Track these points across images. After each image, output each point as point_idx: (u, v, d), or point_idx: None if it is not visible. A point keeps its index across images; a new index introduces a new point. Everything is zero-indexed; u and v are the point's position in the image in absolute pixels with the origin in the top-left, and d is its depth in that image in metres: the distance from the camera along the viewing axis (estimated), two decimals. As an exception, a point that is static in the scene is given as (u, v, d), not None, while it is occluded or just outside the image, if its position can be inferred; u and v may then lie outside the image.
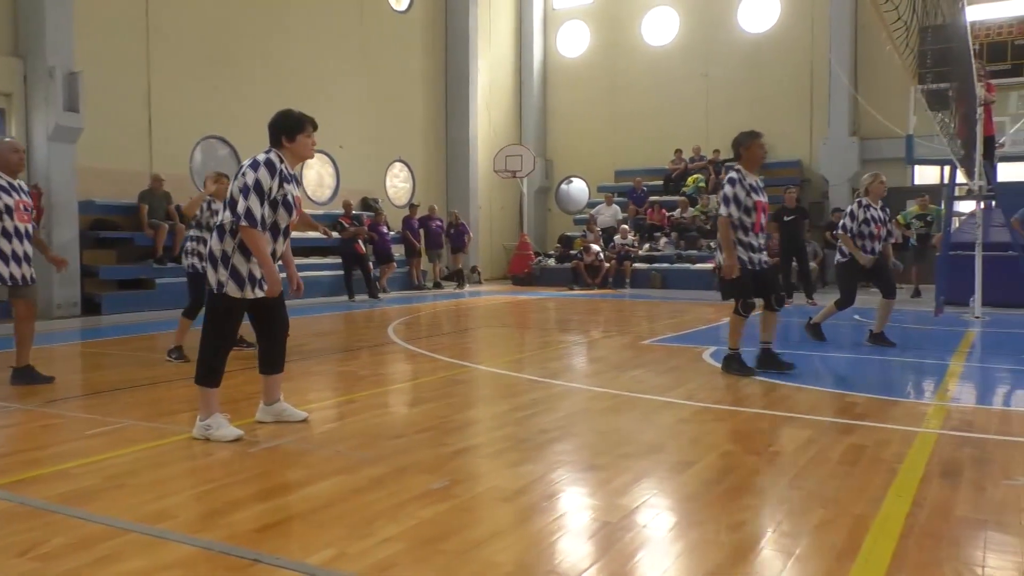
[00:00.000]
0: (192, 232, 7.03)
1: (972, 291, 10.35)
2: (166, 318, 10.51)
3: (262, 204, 4.04)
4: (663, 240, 18.10)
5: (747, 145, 6.16)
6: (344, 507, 3.15)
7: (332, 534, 2.86)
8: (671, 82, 20.00)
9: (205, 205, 6.97)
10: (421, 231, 16.98)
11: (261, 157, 4.14)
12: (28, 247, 5.72)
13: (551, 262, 19.00)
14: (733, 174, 6.10)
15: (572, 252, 18.27)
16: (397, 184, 18.84)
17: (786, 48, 18.66)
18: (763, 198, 6.11)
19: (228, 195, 4.17)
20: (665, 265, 17.10)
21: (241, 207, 4.02)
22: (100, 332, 9.71)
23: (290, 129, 4.22)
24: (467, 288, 17.30)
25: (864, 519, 2.97)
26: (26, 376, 5.76)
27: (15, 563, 2.61)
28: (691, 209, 18.13)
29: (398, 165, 18.69)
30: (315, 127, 4.32)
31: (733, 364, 6.14)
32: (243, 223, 4.01)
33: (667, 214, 18.59)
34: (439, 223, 17.79)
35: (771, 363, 6.20)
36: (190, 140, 13.66)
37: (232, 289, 4.12)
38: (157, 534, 2.84)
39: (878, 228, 7.54)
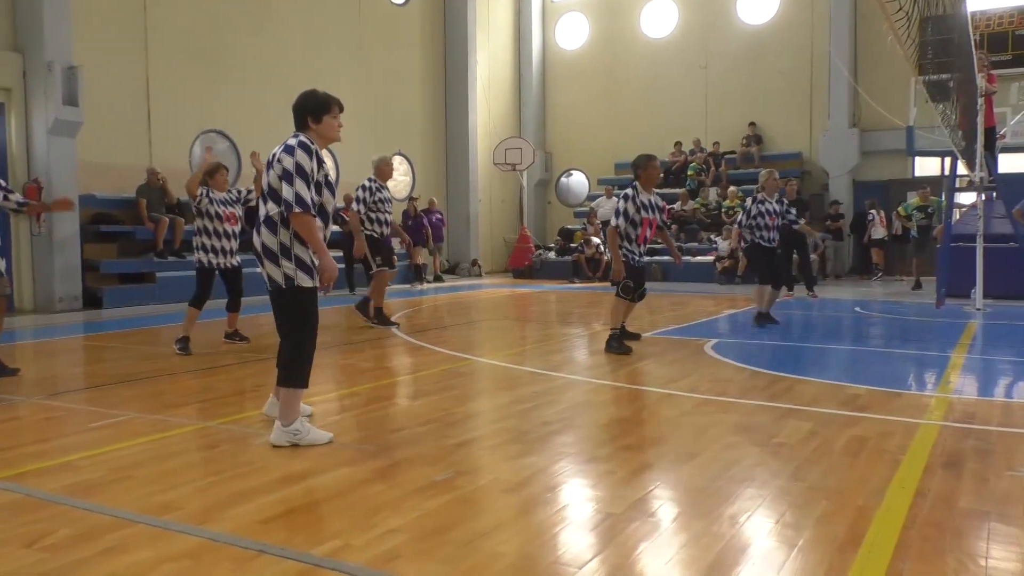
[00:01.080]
0: (197, 224, 7.08)
1: (973, 283, 10.36)
2: (167, 311, 10.53)
3: (309, 187, 3.82)
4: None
5: (644, 167, 6.97)
6: (348, 499, 3.16)
7: (336, 525, 2.87)
8: (670, 75, 19.95)
9: (203, 192, 7.05)
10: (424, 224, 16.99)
11: (292, 141, 3.91)
12: None
13: (551, 255, 18.99)
14: (629, 191, 6.96)
15: (572, 245, 18.25)
16: (397, 177, 18.78)
17: (786, 40, 18.60)
18: (653, 216, 7.02)
19: (265, 186, 3.93)
20: (666, 258, 17.06)
21: (289, 193, 3.78)
22: (102, 326, 9.72)
23: (316, 110, 3.98)
24: (425, 286, 16.10)
25: (867, 510, 2.97)
26: None
27: (22, 554, 2.62)
28: (691, 202, 18.12)
29: (398, 159, 18.66)
30: (341, 108, 4.09)
31: (613, 343, 6.92)
32: (296, 209, 3.77)
33: (667, 207, 18.54)
34: (439, 216, 17.79)
35: (624, 335, 7.30)
36: (189, 134, 13.64)
37: (303, 279, 3.88)
38: (163, 525, 2.85)
39: (772, 219, 8.64)
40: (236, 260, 7.33)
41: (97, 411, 4.75)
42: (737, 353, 6.89)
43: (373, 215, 8.61)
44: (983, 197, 10.87)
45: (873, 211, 16.37)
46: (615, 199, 18.84)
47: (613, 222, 6.91)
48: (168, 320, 9.68)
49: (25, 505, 3.12)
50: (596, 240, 17.44)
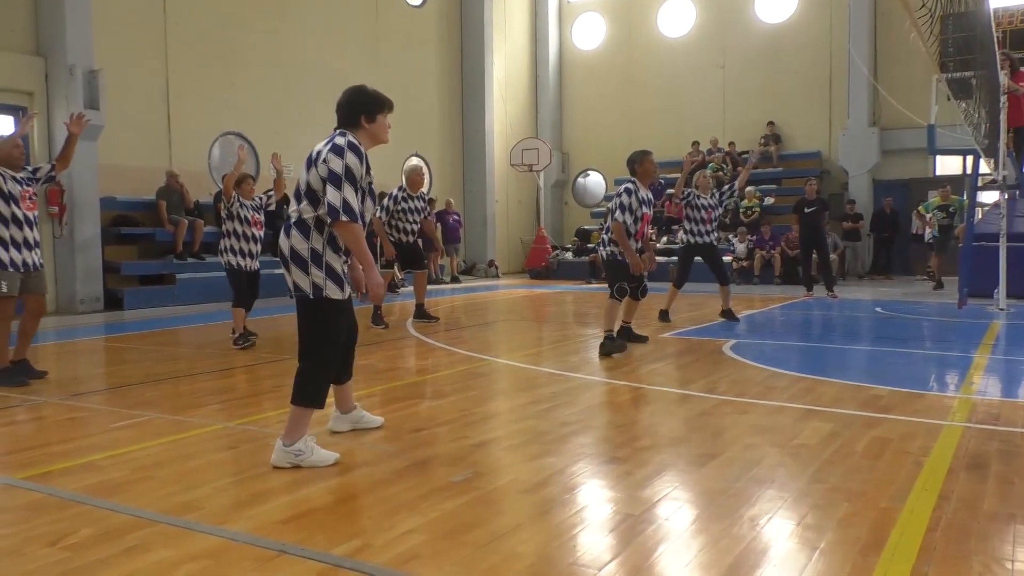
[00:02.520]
0: (226, 227, 7.28)
1: (996, 283, 10.22)
2: (187, 313, 10.62)
3: (357, 193, 3.53)
4: (681, 233, 17.98)
5: (641, 162, 6.94)
6: (367, 499, 3.17)
7: (356, 526, 2.88)
8: (688, 74, 19.86)
9: (235, 196, 7.32)
10: (439, 225, 17.03)
11: (342, 141, 3.57)
12: (37, 234, 5.83)
13: (568, 255, 18.96)
14: (629, 185, 6.86)
15: (589, 245, 18.21)
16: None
17: (804, 38, 18.47)
18: (650, 212, 7.01)
19: (303, 184, 3.61)
20: (673, 258, 17.00)
21: (336, 199, 3.47)
22: (123, 327, 9.82)
23: (372, 108, 3.69)
24: (442, 287, 15.95)
25: (890, 513, 2.94)
26: (23, 371, 5.80)
27: (46, 553, 2.65)
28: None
29: (414, 159, 18.72)
30: (392, 108, 3.80)
31: (608, 344, 6.84)
32: (343, 218, 3.47)
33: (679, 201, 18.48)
34: (456, 217, 17.82)
35: (628, 337, 7.42)
36: (208, 136, 13.75)
37: (333, 291, 3.61)
38: (184, 525, 2.87)
39: (708, 213, 9.12)
40: (257, 264, 7.55)
41: (119, 411, 4.80)
42: (756, 354, 6.84)
43: (395, 222, 8.76)
44: (1006, 196, 10.72)
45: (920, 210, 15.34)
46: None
47: (619, 217, 6.78)
48: (188, 322, 9.77)
49: (48, 504, 3.16)
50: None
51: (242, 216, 7.30)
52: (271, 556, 2.60)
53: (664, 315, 9.44)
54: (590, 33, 21.72)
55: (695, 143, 19.38)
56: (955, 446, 3.84)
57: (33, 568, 2.53)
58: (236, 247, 7.31)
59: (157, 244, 12.40)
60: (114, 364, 7.22)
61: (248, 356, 7.00)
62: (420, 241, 9.42)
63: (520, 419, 4.58)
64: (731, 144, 18.60)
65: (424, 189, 10.42)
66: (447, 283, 16.88)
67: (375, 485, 3.34)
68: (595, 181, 21.99)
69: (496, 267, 19.40)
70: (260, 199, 7.64)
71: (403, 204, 8.74)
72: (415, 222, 8.89)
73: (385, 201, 8.82)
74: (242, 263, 7.34)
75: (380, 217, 8.70)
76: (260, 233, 7.49)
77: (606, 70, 21.25)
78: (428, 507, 3.04)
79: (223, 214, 7.40)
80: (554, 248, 19.63)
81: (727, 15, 19.48)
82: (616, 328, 7.08)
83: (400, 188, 8.86)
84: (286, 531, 2.80)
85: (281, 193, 7.78)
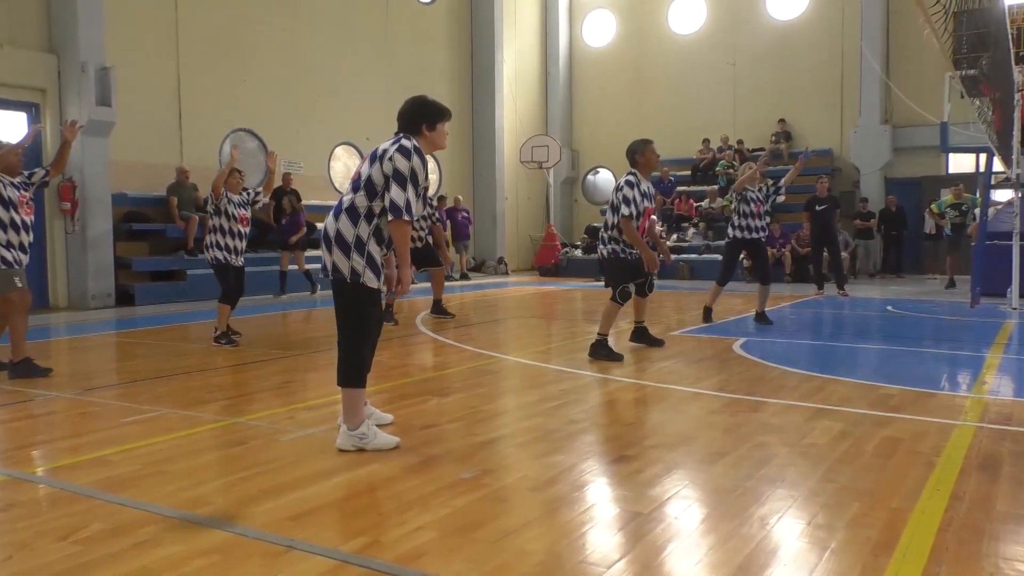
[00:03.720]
0: (212, 223, 7.25)
1: (1009, 282, 10.14)
2: (198, 308, 10.65)
3: (416, 196, 3.74)
4: (691, 230, 17.96)
5: (642, 152, 6.50)
6: (376, 495, 3.18)
7: (365, 522, 2.88)
8: (698, 71, 19.78)
9: (224, 192, 7.28)
10: (448, 222, 17.03)
11: (409, 144, 3.76)
12: (31, 238, 5.93)
13: (578, 253, 18.94)
14: (631, 177, 6.44)
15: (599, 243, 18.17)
16: (424, 175, 18.88)
17: (816, 35, 18.36)
18: (651, 205, 6.62)
19: (363, 176, 3.77)
20: (693, 256, 16.97)
21: (400, 198, 3.66)
22: (134, 322, 9.87)
23: (435, 117, 3.91)
24: (451, 284, 15.33)
25: (901, 513, 2.92)
26: (28, 369, 5.84)
27: (57, 547, 2.67)
28: (720, 199, 17.96)
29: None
30: (450, 117, 4.05)
31: (602, 350, 6.46)
32: (405, 216, 3.66)
33: (695, 204, 18.45)
34: (465, 214, 17.81)
35: (643, 339, 7.14)
36: (219, 133, 13.77)
37: (370, 279, 3.76)
38: (194, 520, 2.88)
39: (758, 207, 8.49)
40: (242, 260, 7.51)
41: (130, 407, 4.82)
42: (766, 352, 6.81)
43: None
44: (1020, 194, 10.63)
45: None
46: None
47: (625, 211, 6.31)
48: (198, 317, 9.80)
49: (59, 499, 3.18)
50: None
51: (229, 212, 7.24)
52: (280, 552, 2.60)
53: (708, 313, 8.90)
54: (600, 30, 21.66)
55: (705, 140, 19.32)
56: (967, 446, 3.82)
57: (44, 562, 2.55)
58: (222, 243, 7.26)
59: (168, 240, 12.44)
60: (125, 360, 7.25)
61: (257, 352, 7.02)
62: (430, 239, 9.45)
63: (529, 416, 4.58)
64: (739, 141, 18.53)
65: (431, 193, 10.45)
66: (456, 280, 16.88)
67: (384, 482, 3.34)
68: (605, 178, 21.89)
69: (505, 264, 19.39)
70: (247, 194, 7.58)
71: None
72: (423, 228, 8.99)
73: None
74: (228, 258, 7.29)
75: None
76: (246, 230, 7.45)
77: (616, 67, 21.19)
78: (437, 504, 3.04)
79: (210, 210, 7.37)
80: (563, 245, 19.61)
81: (738, 12, 19.38)
82: (609, 332, 6.64)
83: None
84: (295, 527, 2.81)
85: (270, 191, 7.84)
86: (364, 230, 3.74)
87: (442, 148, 4.05)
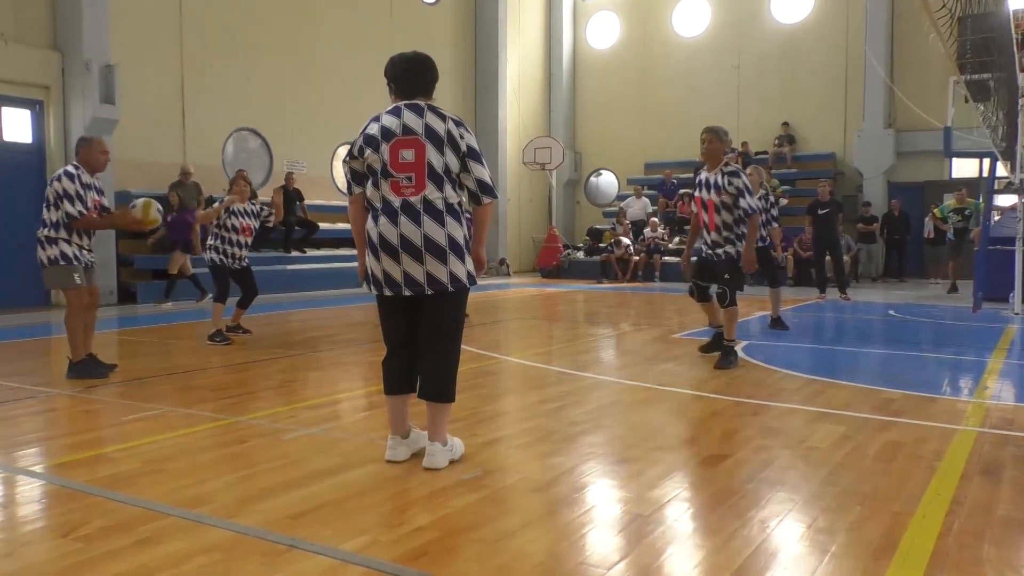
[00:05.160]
0: (213, 228, 7.40)
1: (1012, 287, 10.13)
2: (199, 307, 10.67)
3: None
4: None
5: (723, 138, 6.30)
6: (377, 495, 3.18)
7: (365, 521, 2.88)
8: (702, 74, 19.78)
9: (222, 213, 7.46)
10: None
11: (454, 116, 3.47)
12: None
13: (580, 255, 18.94)
14: (734, 167, 6.18)
15: (601, 245, 18.18)
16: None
17: (820, 39, 18.36)
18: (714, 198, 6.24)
19: (439, 166, 3.35)
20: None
21: (486, 175, 3.38)
22: (136, 320, 9.88)
23: (436, 78, 3.59)
24: None
25: (902, 517, 2.92)
26: (84, 369, 5.82)
27: (58, 544, 2.67)
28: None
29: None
30: None
31: (734, 357, 6.18)
32: (496, 194, 3.43)
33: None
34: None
35: (720, 344, 6.34)
36: (223, 132, 13.82)
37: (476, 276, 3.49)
38: (195, 518, 2.89)
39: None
40: (246, 261, 7.62)
41: (131, 404, 4.83)
42: (768, 355, 6.81)
43: None
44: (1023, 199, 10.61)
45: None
46: (644, 199, 18.93)
47: (755, 205, 6.04)
48: (201, 316, 9.81)
49: (60, 496, 3.18)
50: (626, 240, 17.36)
51: (229, 225, 7.39)
52: (281, 550, 2.61)
53: (778, 322, 8.44)
54: (604, 32, 21.68)
55: (709, 143, 19.29)
56: (968, 451, 3.81)
57: (45, 559, 2.55)
58: (220, 247, 7.40)
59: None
60: (127, 358, 7.25)
61: (259, 352, 7.03)
62: None
63: (530, 418, 4.58)
64: (744, 144, 18.52)
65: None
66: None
67: (385, 482, 3.34)
68: (607, 180, 21.95)
69: (507, 265, 19.40)
70: (256, 207, 7.68)
71: None
72: None
73: None
74: (225, 260, 7.41)
75: None
76: (248, 240, 7.58)
77: (620, 69, 21.19)
78: (438, 504, 3.04)
79: (212, 224, 7.52)
80: (566, 247, 19.61)
81: (742, 15, 19.39)
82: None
83: None
84: (296, 526, 2.81)
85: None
86: (466, 227, 3.42)
87: None
